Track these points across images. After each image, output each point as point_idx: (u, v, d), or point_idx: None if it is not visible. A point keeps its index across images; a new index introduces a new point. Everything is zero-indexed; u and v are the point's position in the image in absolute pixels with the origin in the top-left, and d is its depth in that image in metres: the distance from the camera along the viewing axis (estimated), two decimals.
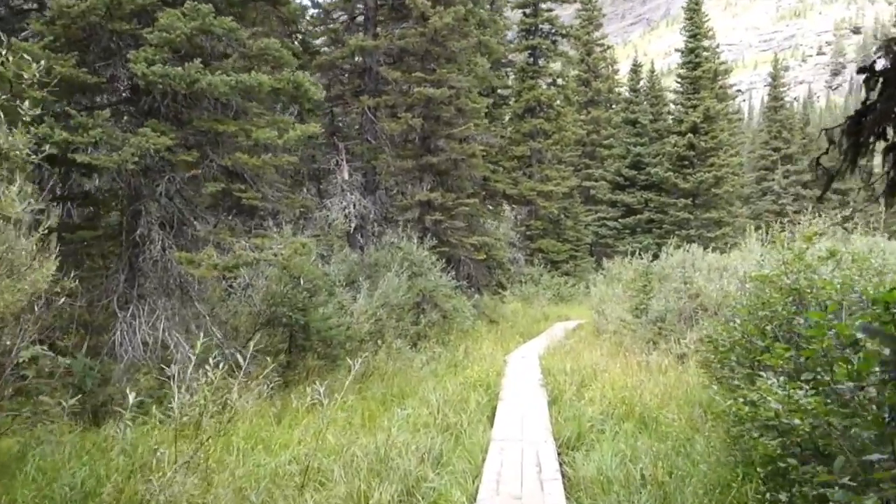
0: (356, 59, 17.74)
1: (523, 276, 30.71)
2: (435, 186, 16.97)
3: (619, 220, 35.98)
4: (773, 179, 57.27)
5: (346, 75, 18.05)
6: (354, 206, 16.76)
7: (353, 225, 16.71)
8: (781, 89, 62.51)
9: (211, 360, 5.30)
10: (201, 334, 8.02)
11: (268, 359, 9.17)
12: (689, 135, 31.52)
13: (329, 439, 7.17)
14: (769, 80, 67.77)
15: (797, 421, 4.87)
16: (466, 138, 17.15)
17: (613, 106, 45.27)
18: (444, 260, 16.76)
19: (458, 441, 7.98)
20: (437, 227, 16.67)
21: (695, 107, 32.35)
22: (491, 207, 23.32)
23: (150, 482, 4.74)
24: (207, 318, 7.93)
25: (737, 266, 13.45)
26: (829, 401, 4.82)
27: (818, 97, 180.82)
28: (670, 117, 34.09)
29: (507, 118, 35.08)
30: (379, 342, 12.42)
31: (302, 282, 9.67)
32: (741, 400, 5.75)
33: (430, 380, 11.12)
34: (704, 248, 19.86)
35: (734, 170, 36.71)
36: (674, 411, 8.27)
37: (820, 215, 15.86)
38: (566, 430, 8.21)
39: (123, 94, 7.90)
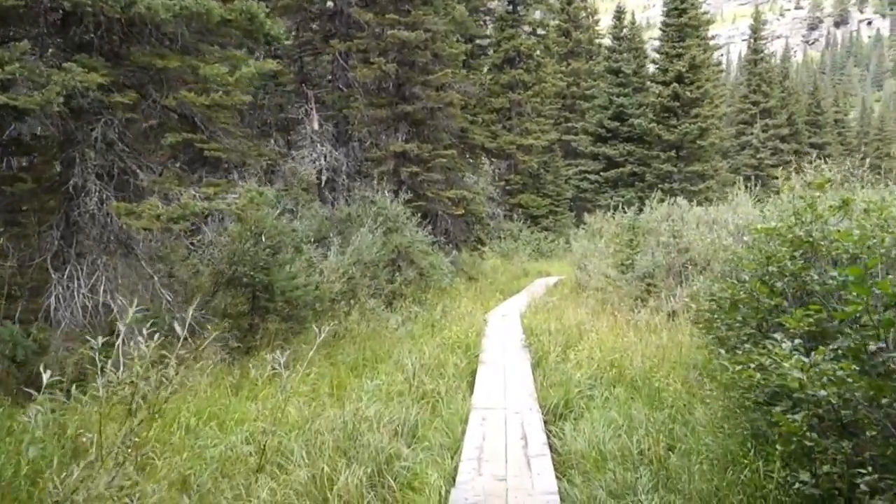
0: (326, 1, 16.66)
1: (502, 231, 30.04)
2: (410, 137, 16.06)
3: (601, 173, 34.98)
4: (752, 133, 56.78)
5: (316, 19, 16.94)
6: (325, 158, 15.84)
7: (323, 178, 15.82)
8: (761, 42, 61.77)
9: (145, 330, 4.49)
10: (148, 297, 7.24)
11: (224, 324, 8.43)
12: (674, 84, 30.48)
13: (291, 413, 6.45)
14: (747, 33, 66.89)
15: (823, 392, 4.18)
16: (443, 86, 16.21)
17: (594, 57, 44.15)
18: (420, 215, 15.97)
19: (436, 411, 7.31)
20: (413, 181, 15.83)
21: (680, 55, 31.26)
22: (470, 161, 22.45)
23: (70, 474, 3.99)
24: (156, 278, 7.12)
25: (727, 219, 12.81)
26: (863, 368, 4.18)
27: (795, 52, 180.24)
28: (654, 66, 32.91)
29: (485, 69, 33.96)
30: (351, 302, 11.68)
31: (264, 238, 8.85)
32: (751, 366, 5.11)
33: (406, 342, 10.42)
34: (688, 202, 19.26)
35: (718, 122, 35.93)
36: (667, 374, 7.64)
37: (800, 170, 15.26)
38: (552, 396, 7.56)
39: (49, 24, 6.92)
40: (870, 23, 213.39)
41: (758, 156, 56.29)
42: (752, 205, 13.88)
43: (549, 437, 6.46)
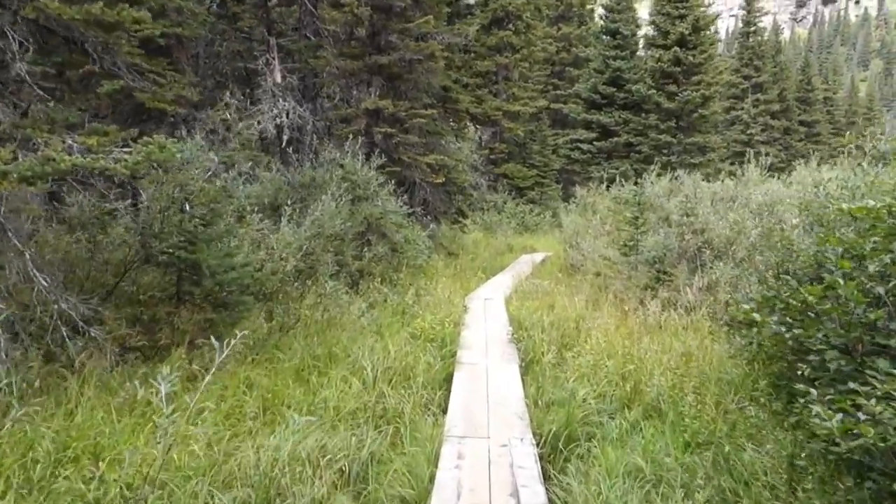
0: None
1: (486, 203, 28.23)
2: (385, 93, 14.06)
3: (594, 143, 32.66)
4: (743, 108, 55.38)
5: None
6: (288, 114, 13.88)
7: (285, 137, 13.88)
8: (755, 14, 60.08)
9: None
10: (11, 284, 5.37)
11: (128, 314, 6.61)
12: (676, 48, 28.18)
13: (195, 449, 4.66)
14: (735, 9, 64.91)
15: None
16: (424, 35, 14.19)
17: (586, 22, 42.00)
18: (395, 183, 14.11)
19: (398, 440, 5.57)
20: (387, 143, 13.90)
21: (682, 17, 28.89)
22: (453, 125, 20.48)
23: None
24: (28, 256, 5.26)
25: (749, 195, 11.10)
26: None
27: (783, 29, 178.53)
28: (652, 29, 30.57)
29: (471, 29, 31.81)
30: (308, 283, 9.87)
31: (188, 206, 6.98)
32: (860, 417, 3.45)
33: (370, 334, 8.63)
34: (689, 176, 17.58)
35: (722, 90, 33.91)
36: (699, 395, 5.93)
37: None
38: (550, 422, 5.82)
39: None
40: (857, 1, 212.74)
41: (748, 131, 54.94)
42: (773, 181, 12.20)
43: (548, 491, 4.72)
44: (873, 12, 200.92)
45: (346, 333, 8.61)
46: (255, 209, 10.19)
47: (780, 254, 6.26)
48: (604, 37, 35.89)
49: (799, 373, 4.39)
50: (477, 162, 28.58)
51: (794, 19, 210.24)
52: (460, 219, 19.68)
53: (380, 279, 11.86)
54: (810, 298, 4.36)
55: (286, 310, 8.67)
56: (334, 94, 14.34)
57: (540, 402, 6.44)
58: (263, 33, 14.41)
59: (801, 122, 63.56)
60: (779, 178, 14.76)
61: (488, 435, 5.66)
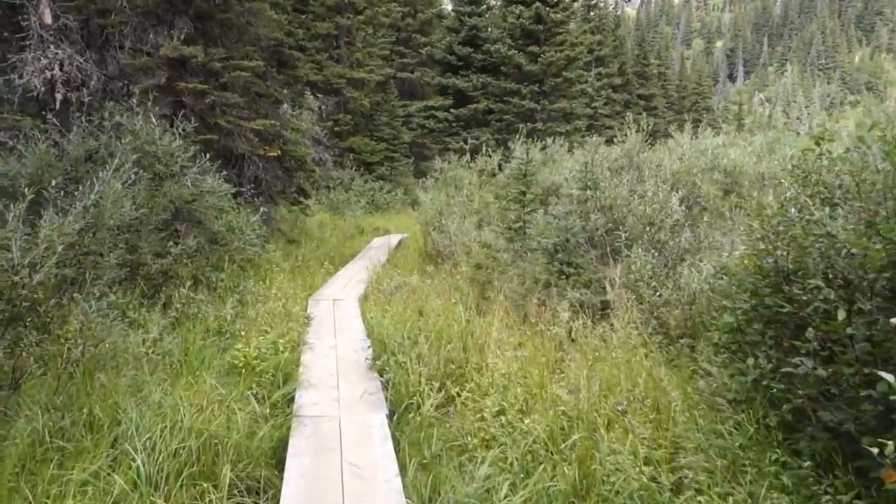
0: None
1: (331, 180, 25.35)
2: (194, 36, 10.83)
3: (451, 110, 30.12)
4: (587, 81, 55.63)
5: None
6: (63, 66, 10.42)
7: (59, 96, 10.40)
8: None
9: None
10: None
11: None
12: (537, 4, 25.81)
13: None
14: None
15: None
16: None
17: None
18: (213, 155, 11.04)
19: None
20: (198, 103, 10.70)
21: None
22: (288, 91, 17.29)
23: None
24: None
25: (661, 161, 9.11)
26: None
27: (613, 8, 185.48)
28: None
29: None
30: (76, 298, 6.78)
31: None
32: None
33: (159, 379, 5.74)
34: (559, 146, 15.71)
35: (585, 50, 32.23)
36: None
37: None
38: None
39: None
40: None
41: (592, 104, 55.33)
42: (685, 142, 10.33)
43: None
44: None
45: (126, 377, 5.67)
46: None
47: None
48: None
49: None
50: (320, 135, 25.65)
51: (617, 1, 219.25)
52: (301, 199, 16.72)
53: (191, 282, 8.87)
54: None
55: (26, 346, 5.58)
56: (125, 38, 10.91)
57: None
58: None
59: (640, 96, 65.31)
60: (655, 145, 13.13)
61: None
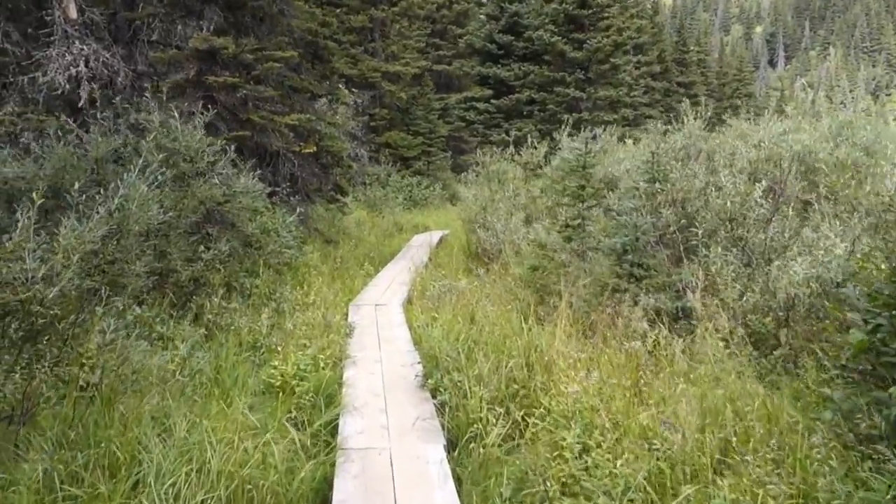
0: None
1: (368, 176, 24.72)
2: (224, 27, 10.20)
3: (492, 101, 29.03)
4: (626, 70, 54.38)
5: None
6: (88, 62, 9.88)
7: (84, 94, 9.87)
8: None
9: None
10: None
11: None
12: None
13: None
14: None
15: None
16: None
17: None
18: (248, 154, 10.45)
19: None
20: (229, 97, 10.07)
21: None
22: (325, 80, 16.59)
23: None
24: None
25: (735, 148, 8.25)
26: None
27: None
28: None
29: None
30: (98, 311, 6.19)
31: None
32: None
33: (187, 403, 5.11)
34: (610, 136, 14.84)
35: (635, 35, 30.90)
36: None
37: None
38: None
39: None
40: None
41: (631, 93, 54.17)
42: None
43: None
44: None
45: (150, 404, 5.04)
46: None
47: None
48: None
49: None
50: (356, 129, 25.09)
51: None
52: (339, 196, 16.08)
53: (224, 290, 8.27)
54: None
55: (40, 369, 4.99)
56: (152, 31, 10.31)
57: None
58: None
59: (680, 84, 63.79)
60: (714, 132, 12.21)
61: None
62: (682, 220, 7.05)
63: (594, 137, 14.11)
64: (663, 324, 6.13)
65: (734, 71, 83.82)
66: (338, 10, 25.92)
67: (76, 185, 6.94)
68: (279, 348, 6.47)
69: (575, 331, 6.49)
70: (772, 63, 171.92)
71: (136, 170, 7.59)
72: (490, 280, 9.43)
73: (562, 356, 5.60)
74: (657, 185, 7.26)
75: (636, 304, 6.34)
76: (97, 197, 6.78)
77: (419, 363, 6.40)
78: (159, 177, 7.74)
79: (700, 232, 6.65)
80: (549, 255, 7.85)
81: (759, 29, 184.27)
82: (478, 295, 8.49)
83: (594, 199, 8.15)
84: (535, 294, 7.84)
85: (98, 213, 6.89)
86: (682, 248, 6.95)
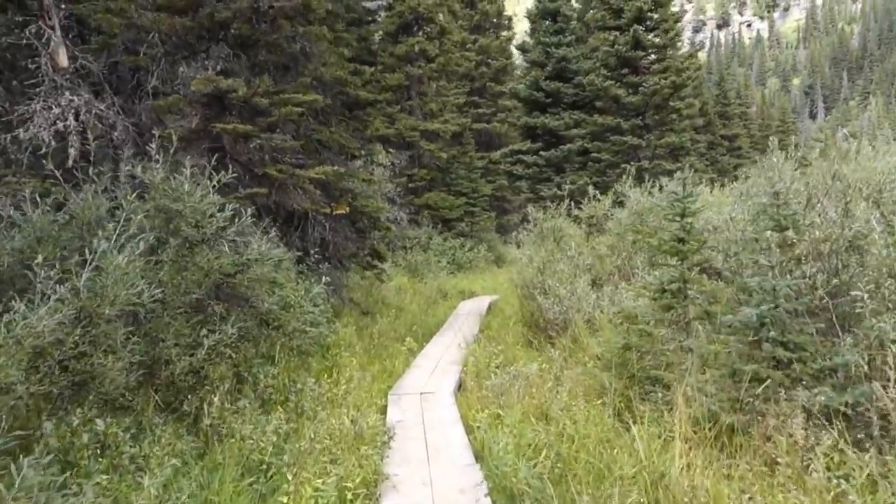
0: None
1: (408, 240, 23.15)
2: (234, 67, 8.63)
3: (541, 153, 27.11)
4: (687, 115, 53.50)
5: None
6: (78, 115, 8.49)
7: (73, 150, 8.43)
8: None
9: None
10: None
11: None
12: (635, 27, 22.75)
13: None
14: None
15: None
16: None
17: (504, 32, 37.57)
18: (269, 217, 8.88)
19: None
20: (241, 148, 8.46)
21: None
22: (358, 135, 15.13)
23: None
24: None
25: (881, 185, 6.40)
26: None
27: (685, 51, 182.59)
28: (601, 8, 24.84)
29: (376, 38, 26.93)
30: (44, 428, 4.54)
31: None
32: None
33: None
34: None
35: (696, 74, 29.07)
36: None
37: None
38: None
39: None
40: (749, 25, 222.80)
41: (695, 143, 52.91)
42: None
43: None
44: (765, 34, 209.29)
45: None
46: None
47: None
48: (542, 21, 30.05)
49: None
50: (393, 192, 23.71)
51: (692, 44, 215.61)
52: (376, 262, 14.45)
53: (232, 381, 6.56)
54: None
55: None
56: (153, 76, 8.85)
57: None
58: None
59: (723, 136, 62.28)
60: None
61: None
62: (834, 280, 5.16)
63: (660, 188, 12.34)
64: (830, 429, 4.23)
65: (777, 122, 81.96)
66: (372, 69, 24.91)
67: (39, 259, 5.32)
68: (292, 475, 4.66)
69: (699, 439, 4.61)
70: (812, 115, 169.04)
71: (115, 236, 6.00)
72: (559, 359, 7.56)
73: (696, 490, 3.71)
74: (791, 232, 5.41)
75: (791, 400, 4.44)
76: (52, 274, 5.17)
77: (485, 493, 4.54)
78: (143, 244, 6.11)
79: (865, 295, 4.75)
80: (645, 331, 5.98)
81: (796, 81, 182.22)
82: (549, 381, 6.64)
83: (699, 255, 6.29)
84: (625, 380, 5.96)
85: (55, 292, 5.27)
86: (833, 317, 5.05)
